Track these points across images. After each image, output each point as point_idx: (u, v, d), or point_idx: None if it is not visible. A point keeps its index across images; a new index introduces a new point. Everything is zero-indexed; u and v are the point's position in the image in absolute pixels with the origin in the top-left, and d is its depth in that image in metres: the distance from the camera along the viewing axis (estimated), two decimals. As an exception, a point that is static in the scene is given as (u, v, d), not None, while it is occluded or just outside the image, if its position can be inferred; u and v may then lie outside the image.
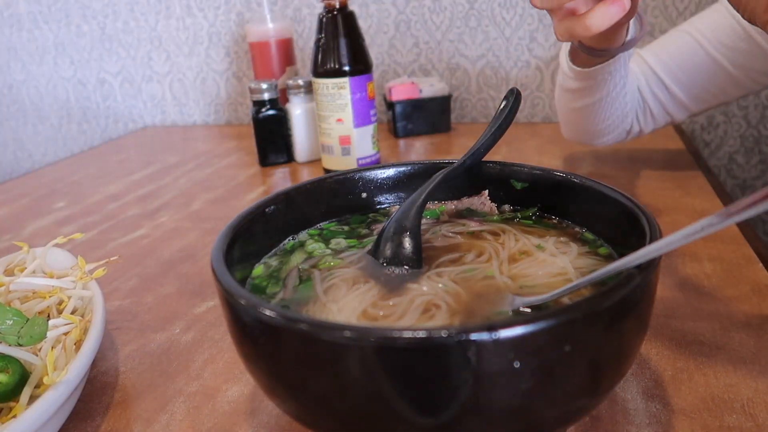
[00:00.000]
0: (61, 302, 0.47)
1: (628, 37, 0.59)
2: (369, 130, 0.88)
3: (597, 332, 0.27)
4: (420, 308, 0.34)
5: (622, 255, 0.37)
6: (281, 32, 1.09)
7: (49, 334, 0.41)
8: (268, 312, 0.28)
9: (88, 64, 1.44)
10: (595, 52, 0.60)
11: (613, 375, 0.31)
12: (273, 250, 0.43)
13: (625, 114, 0.73)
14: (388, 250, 0.39)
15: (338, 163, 0.89)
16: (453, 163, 0.45)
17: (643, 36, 0.59)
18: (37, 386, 0.39)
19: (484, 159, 0.46)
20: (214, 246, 0.35)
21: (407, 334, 0.25)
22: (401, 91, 1.07)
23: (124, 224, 0.79)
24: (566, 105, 0.74)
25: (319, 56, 0.85)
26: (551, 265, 0.37)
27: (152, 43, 1.37)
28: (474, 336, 0.24)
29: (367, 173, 0.47)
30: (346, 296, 0.36)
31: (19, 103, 1.54)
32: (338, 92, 0.85)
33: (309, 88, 0.95)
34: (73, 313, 0.47)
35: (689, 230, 0.26)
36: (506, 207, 0.46)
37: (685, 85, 0.72)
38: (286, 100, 0.98)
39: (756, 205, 0.23)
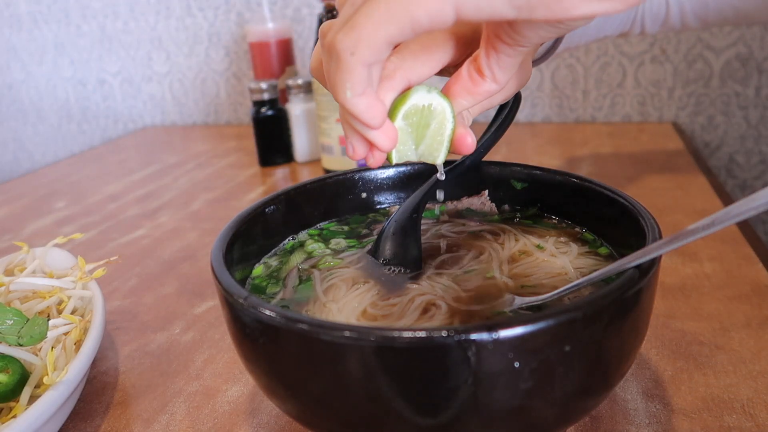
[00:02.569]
0: (61, 302, 0.47)
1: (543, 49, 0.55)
2: (369, 130, 0.88)
3: (597, 332, 0.27)
4: (420, 308, 0.34)
5: (622, 255, 0.37)
6: (281, 32, 1.09)
7: (49, 334, 0.41)
8: (267, 312, 0.28)
9: (88, 64, 1.44)
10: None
11: (613, 375, 0.30)
12: (273, 250, 0.43)
13: (610, 31, 0.65)
14: (387, 250, 0.39)
15: (338, 163, 0.89)
16: (453, 163, 0.45)
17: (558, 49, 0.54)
18: (37, 386, 0.39)
19: (484, 159, 0.46)
20: (214, 246, 0.35)
21: (407, 334, 0.25)
22: (401, 91, 1.07)
23: (124, 224, 0.79)
24: None
25: (319, 56, 0.85)
26: (551, 265, 0.37)
27: (152, 43, 1.37)
28: (474, 336, 0.24)
29: (367, 173, 0.47)
30: (346, 296, 0.36)
31: (19, 103, 1.54)
32: (338, 92, 0.85)
33: (309, 88, 0.95)
34: (73, 313, 0.47)
35: (689, 230, 0.26)
36: (506, 207, 0.46)
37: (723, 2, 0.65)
38: (286, 100, 0.98)
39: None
